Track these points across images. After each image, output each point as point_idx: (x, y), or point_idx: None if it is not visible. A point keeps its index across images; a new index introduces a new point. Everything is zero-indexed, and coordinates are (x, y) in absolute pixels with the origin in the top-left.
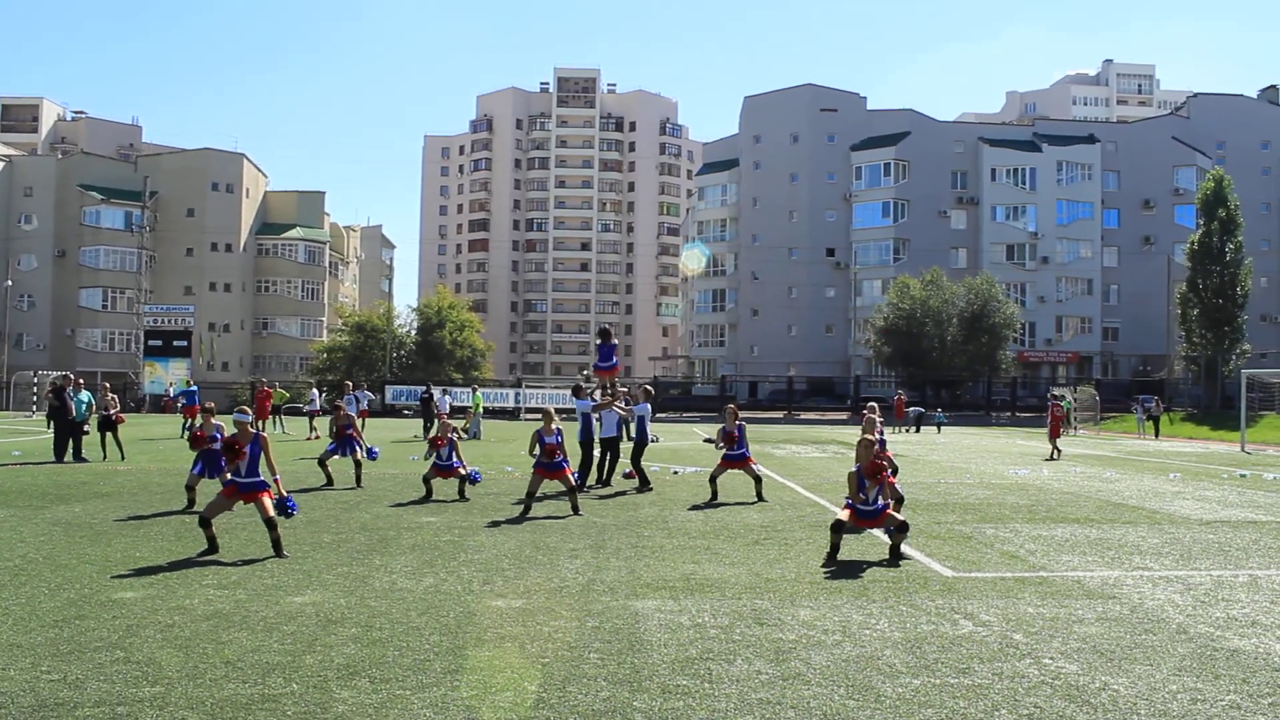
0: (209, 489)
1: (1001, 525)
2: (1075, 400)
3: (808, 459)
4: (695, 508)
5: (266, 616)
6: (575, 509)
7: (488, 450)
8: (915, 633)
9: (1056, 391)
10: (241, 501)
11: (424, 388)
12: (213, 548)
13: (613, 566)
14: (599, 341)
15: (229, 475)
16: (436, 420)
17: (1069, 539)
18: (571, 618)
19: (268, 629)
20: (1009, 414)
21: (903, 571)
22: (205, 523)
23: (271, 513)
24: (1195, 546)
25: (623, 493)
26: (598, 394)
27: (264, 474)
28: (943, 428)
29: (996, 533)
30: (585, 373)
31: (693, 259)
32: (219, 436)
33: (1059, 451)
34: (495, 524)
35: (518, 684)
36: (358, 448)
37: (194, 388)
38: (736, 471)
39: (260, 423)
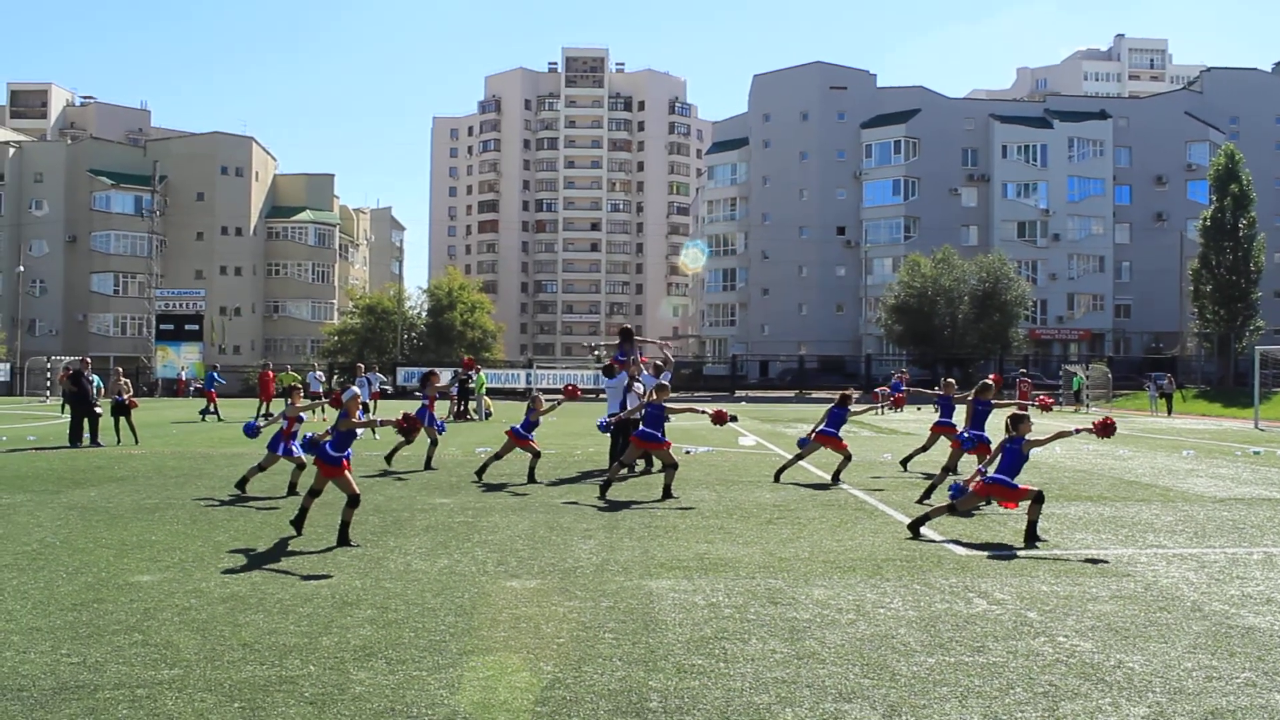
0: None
1: None
2: (1088, 378)
3: None
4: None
5: (282, 599)
6: (667, 490)
7: (498, 432)
8: (929, 611)
9: (1024, 370)
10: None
11: (459, 369)
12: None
13: (626, 546)
14: (618, 342)
15: (336, 452)
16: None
17: (1082, 517)
18: (586, 598)
19: (284, 611)
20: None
21: (916, 550)
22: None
23: (357, 489)
24: (1209, 524)
25: (647, 471)
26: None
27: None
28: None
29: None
30: (597, 352)
31: (691, 257)
32: (304, 417)
33: None
34: (508, 505)
35: (533, 664)
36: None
37: (212, 373)
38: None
39: (264, 404)
